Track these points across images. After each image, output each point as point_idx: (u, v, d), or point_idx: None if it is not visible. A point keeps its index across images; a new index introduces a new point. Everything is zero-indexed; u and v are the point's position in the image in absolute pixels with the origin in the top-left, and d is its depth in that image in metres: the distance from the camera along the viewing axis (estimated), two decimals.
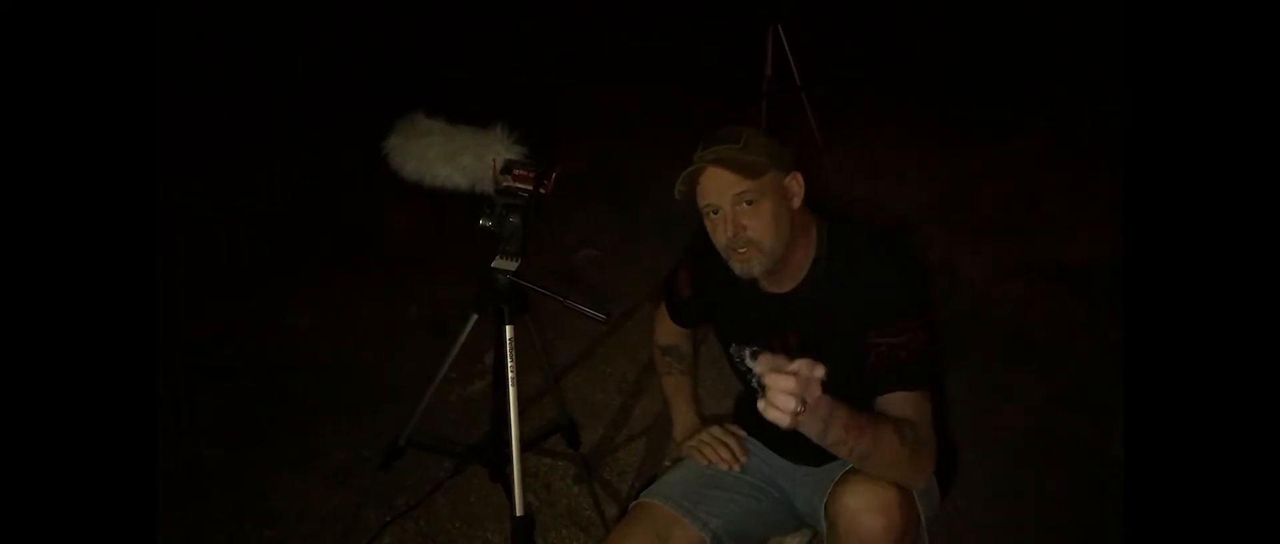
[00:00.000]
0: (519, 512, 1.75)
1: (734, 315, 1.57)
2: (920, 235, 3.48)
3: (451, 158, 1.67)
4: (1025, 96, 4.70)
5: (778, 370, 1.10)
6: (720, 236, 1.40)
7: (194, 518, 2.06)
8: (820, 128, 4.04)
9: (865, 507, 1.31)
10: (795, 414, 1.10)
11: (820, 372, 1.12)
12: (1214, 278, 0.96)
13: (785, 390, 1.09)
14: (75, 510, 0.95)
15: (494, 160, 1.66)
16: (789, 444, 1.60)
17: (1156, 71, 1.03)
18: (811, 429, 1.19)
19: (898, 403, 1.34)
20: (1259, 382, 0.92)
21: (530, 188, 1.65)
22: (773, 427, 1.16)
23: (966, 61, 5.16)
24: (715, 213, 1.40)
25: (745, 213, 1.38)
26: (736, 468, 1.59)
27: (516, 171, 1.65)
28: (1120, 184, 1.11)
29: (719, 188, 1.38)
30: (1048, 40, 5.11)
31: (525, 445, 1.85)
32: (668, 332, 1.80)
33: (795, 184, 1.43)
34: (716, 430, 1.64)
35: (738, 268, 1.41)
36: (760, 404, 1.12)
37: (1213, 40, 1.00)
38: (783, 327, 1.48)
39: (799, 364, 1.10)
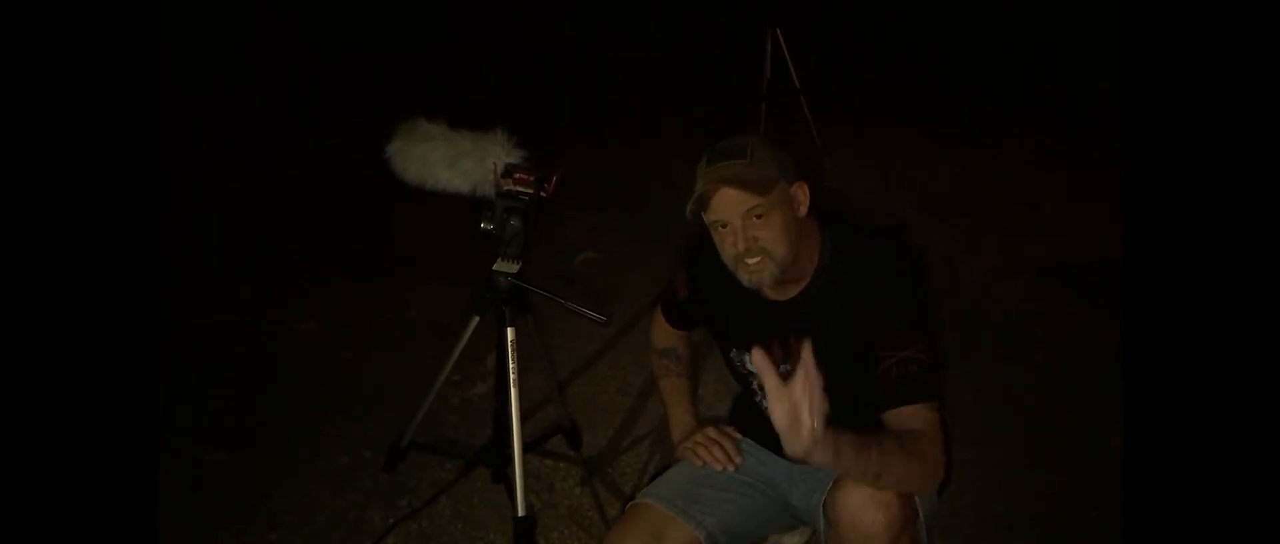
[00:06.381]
0: (521, 512, 1.76)
1: (733, 320, 1.57)
2: (920, 235, 3.49)
3: (452, 162, 1.68)
4: (1024, 97, 4.71)
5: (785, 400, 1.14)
6: (729, 250, 1.39)
7: (196, 520, 2.07)
8: (819, 129, 4.05)
9: (865, 503, 1.33)
10: (812, 434, 1.14)
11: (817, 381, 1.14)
12: (1213, 275, 0.97)
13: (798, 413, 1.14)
14: (72, 512, 0.96)
15: (494, 164, 1.67)
16: None
17: (1155, 70, 1.04)
18: (825, 459, 1.21)
19: (908, 417, 1.35)
20: (1258, 378, 0.93)
21: (531, 191, 1.66)
22: (769, 426, 1.17)
23: (965, 62, 5.17)
24: (724, 226, 1.39)
25: (756, 225, 1.37)
26: (731, 468, 1.60)
27: (517, 175, 1.66)
28: (1119, 183, 1.12)
29: (729, 205, 1.36)
30: (1047, 40, 5.12)
31: (527, 447, 1.85)
32: (664, 334, 1.80)
33: (801, 193, 1.43)
34: (711, 431, 1.65)
35: (747, 278, 1.40)
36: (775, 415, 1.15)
37: (1211, 38, 1.00)
38: (783, 333, 1.48)
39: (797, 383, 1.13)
